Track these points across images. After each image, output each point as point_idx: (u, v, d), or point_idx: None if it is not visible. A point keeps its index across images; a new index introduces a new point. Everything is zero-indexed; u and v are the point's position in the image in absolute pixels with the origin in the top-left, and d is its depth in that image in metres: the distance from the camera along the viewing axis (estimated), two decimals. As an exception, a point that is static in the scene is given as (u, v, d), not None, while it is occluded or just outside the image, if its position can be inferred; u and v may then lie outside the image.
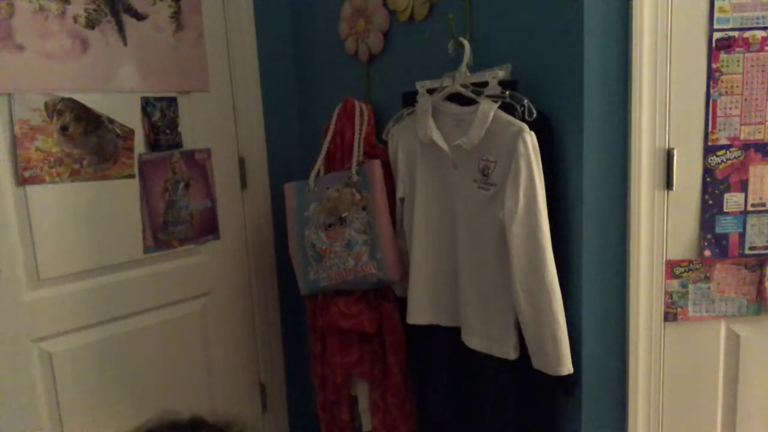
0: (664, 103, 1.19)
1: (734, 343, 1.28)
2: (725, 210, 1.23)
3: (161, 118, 1.66)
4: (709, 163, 1.22)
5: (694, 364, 1.28)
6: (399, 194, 1.48)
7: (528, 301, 1.19)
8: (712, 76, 1.19)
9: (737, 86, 1.19)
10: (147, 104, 1.63)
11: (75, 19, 1.49)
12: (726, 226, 1.23)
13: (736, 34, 1.18)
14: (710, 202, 1.23)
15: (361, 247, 1.50)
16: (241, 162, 1.87)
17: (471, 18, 1.36)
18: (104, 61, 1.55)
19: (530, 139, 1.16)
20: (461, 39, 1.31)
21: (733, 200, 1.23)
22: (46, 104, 1.46)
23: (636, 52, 1.16)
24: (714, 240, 1.24)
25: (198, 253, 1.79)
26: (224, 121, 1.82)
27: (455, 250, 1.35)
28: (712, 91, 1.19)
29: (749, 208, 1.23)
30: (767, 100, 1.19)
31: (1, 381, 1.44)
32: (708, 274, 1.26)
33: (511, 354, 1.26)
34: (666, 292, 1.25)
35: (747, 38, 1.18)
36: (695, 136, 1.21)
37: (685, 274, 1.25)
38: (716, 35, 1.18)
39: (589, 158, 1.18)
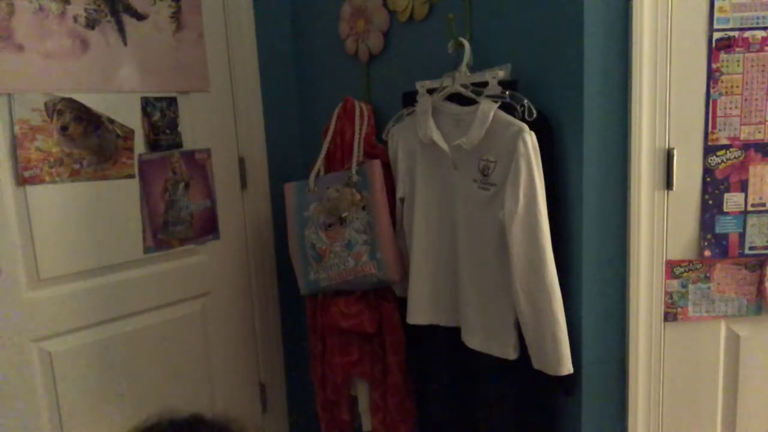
0: (664, 103, 1.19)
1: (734, 343, 1.28)
2: (725, 210, 1.23)
3: (161, 118, 1.66)
4: (709, 163, 1.22)
5: (694, 364, 1.28)
6: (399, 194, 1.48)
7: (528, 301, 1.19)
8: (712, 76, 1.19)
9: (737, 86, 1.19)
10: (147, 104, 1.63)
11: (75, 19, 1.49)
12: (726, 226, 1.23)
13: (736, 34, 1.18)
14: (710, 202, 1.23)
15: (361, 247, 1.50)
16: (241, 162, 1.87)
17: (471, 18, 1.36)
18: (104, 61, 1.55)
19: (530, 139, 1.16)
20: (461, 39, 1.31)
21: (733, 200, 1.23)
22: (46, 104, 1.46)
23: (636, 52, 1.16)
24: (714, 240, 1.24)
25: (198, 253, 1.79)
26: (224, 121, 1.82)
27: (455, 250, 1.35)
28: (712, 91, 1.19)
29: (749, 208, 1.23)
30: (767, 100, 1.19)
31: (1, 381, 1.44)
32: (708, 274, 1.26)
33: (511, 354, 1.26)
34: (666, 292, 1.25)
35: (747, 38, 1.18)
36: (695, 136, 1.21)
37: (685, 274, 1.25)
38: (716, 35, 1.18)
39: (589, 158, 1.18)
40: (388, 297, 1.55)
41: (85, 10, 1.50)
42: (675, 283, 1.25)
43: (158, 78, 1.65)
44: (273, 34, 1.91)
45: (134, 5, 1.59)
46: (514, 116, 1.20)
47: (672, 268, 1.25)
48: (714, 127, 1.20)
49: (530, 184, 1.16)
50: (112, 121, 1.57)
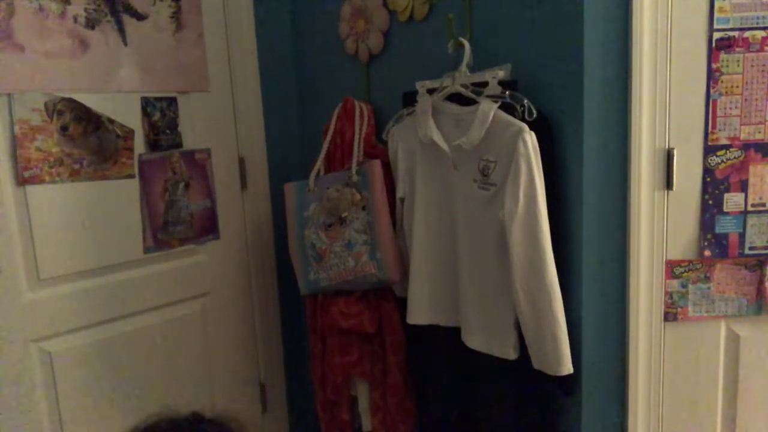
0: (664, 103, 1.19)
1: (734, 343, 1.28)
2: (725, 210, 1.23)
3: (161, 118, 1.66)
4: (709, 163, 1.22)
5: (694, 364, 1.28)
6: (399, 194, 1.48)
7: (528, 301, 1.19)
8: (712, 76, 1.19)
9: (737, 86, 1.19)
10: (147, 104, 1.63)
11: (75, 19, 1.49)
12: (726, 226, 1.23)
13: (736, 34, 1.18)
14: (710, 202, 1.23)
15: (361, 247, 1.50)
16: (241, 162, 1.87)
17: (471, 18, 1.36)
18: (104, 61, 1.55)
19: (530, 139, 1.16)
20: (461, 39, 1.31)
21: (733, 200, 1.23)
22: (46, 104, 1.46)
23: (636, 52, 1.16)
24: (714, 240, 1.24)
25: (198, 253, 1.79)
26: (224, 121, 1.82)
27: (455, 250, 1.35)
28: (712, 91, 1.19)
29: (749, 208, 1.23)
30: (767, 100, 1.19)
31: (0, 381, 1.44)
32: (708, 274, 1.26)
33: (511, 354, 1.26)
34: (666, 292, 1.25)
35: (747, 38, 1.18)
36: (695, 136, 1.21)
37: (685, 274, 1.25)
38: (716, 35, 1.18)
39: (589, 158, 1.18)
40: (388, 297, 1.55)
41: (85, 10, 1.50)
42: (675, 283, 1.25)
43: (158, 78, 1.65)
44: (273, 34, 1.91)
45: (134, 5, 1.59)
46: (514, 116, 1.20)
47: (672, 268, 1.25)
48: (714, 127, 1.20)
49: (530, 184, 1.16)
50: (112, 121, 1.57)
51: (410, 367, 1.55)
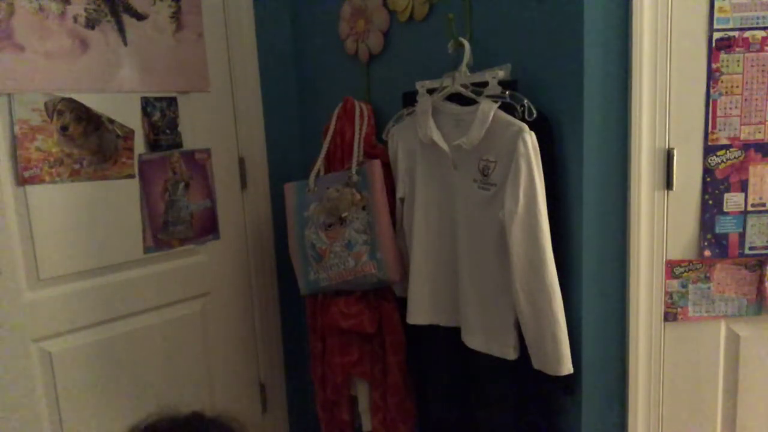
0: (664, 103, 1.19)
1: (734, 343, 1.28)
2: (725, 210, 1.23)
3: (161, 118, 1.66)
4: (709, 163, 1.22)
5: (694, 364, 1.28)
6: (399, 194, 1.48)
7: (528, 301, 1.19)
8: (712, 76, 1.19)
9: (737, 86, 1.19)
10: (147, 104, 1.63)
11: (75, 19, 1.49)
12: (726, 226, 1.23)
13: (736, 34, 1.18)
14: (710, 202, 1.23)
15: (361, 247, 1.50)
16: (241, 162, 1.87)
17: (471, 18, 1.36)
18: (104, 61, 1.55)
19: (530, 139, 1.16)
20: (461, 39, 1.31)
21: (733, 200, 1.23)
22: (46, 104, 1.46)
23: (636, 52, 1.16)
24: (714, 240, 1.24)
25: (198, 253, 1.79)
26: (224, 121, 1.82)
27: (455, 250, 1.35)
28: (712, 91, 1.19)
29: (749, 208, 1.23)
30: (767, 100, 1.19)
31: (1, 381, 1.44)
32: (708, 274, 1.26)
33: (511, 354, 1.26)
34: (666, 292, 1.25)
35: (747, 38, 1.18)
36: (695, 136, 1.21)
37: (685, 274, 1.25)
38: (716, 35, 1.18)
39: (589, 158, 1.18)
40: (388, 297, 1.55)
41: (85, 10, 1.50)
42: (675, 283, 1.25)
43: (158, 78, 1.65)
44: (273, 34, 1.91)
45: (134, 5, 1.59)
46: (514, 116, 1.20)
47: (672, 268, 1.25)
48: (714, 127, 1.20)
49: (530, 184, 1.16)
50: (112, 121, 1.57)
51: (410, 367, 1.56)
